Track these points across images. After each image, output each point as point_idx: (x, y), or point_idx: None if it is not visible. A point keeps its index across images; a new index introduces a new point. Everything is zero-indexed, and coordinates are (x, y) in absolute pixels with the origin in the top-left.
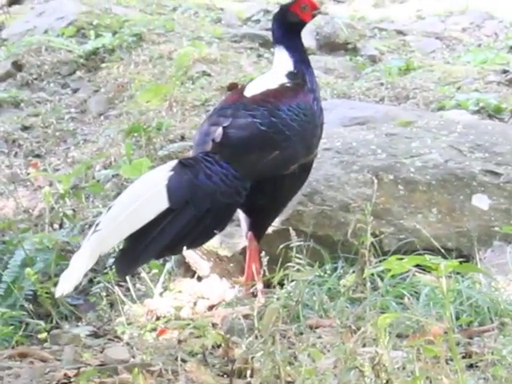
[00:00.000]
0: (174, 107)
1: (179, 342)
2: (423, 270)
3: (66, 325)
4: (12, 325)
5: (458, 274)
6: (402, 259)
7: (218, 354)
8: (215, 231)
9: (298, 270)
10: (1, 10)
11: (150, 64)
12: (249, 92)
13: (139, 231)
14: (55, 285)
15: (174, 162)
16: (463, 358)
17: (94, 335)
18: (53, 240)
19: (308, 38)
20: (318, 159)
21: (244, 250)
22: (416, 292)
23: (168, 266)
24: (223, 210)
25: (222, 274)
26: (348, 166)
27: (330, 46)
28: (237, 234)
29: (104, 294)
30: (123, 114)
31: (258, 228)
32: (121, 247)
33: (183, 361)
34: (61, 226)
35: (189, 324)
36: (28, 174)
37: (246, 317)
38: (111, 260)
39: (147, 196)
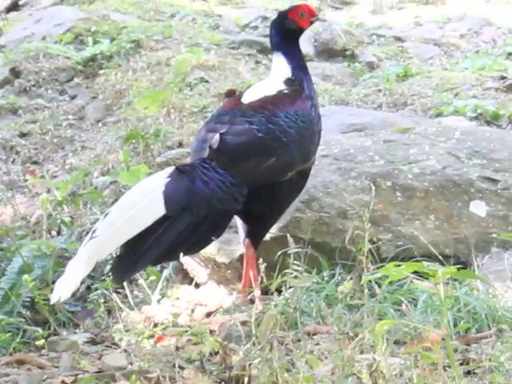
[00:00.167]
0: (172, 114)
1: (177, 348)
2: (421, 276)
3: (63, 332)
4: (9, 332)
5: (455, 280)
6: (399, 266)
7: (215, 361)
8: (212, 238)
9: (296, 277)
10: None
11: (148, 70)
12: (246, 98)
13: (136, 238)
14: (53, 291)
15: (170, 169)
16: (461, 364)
17: (92, 342)
18: (50, 247)
19: (306, 44)
20: (316, 166)
21: (242, 257)
22: (414, 299)
23: (166, 272)
24: (220, 217)
25: (220, 281)
26: (346, 173)
27: (328, 52)
28: (234, 241)
29: (102, 300)
30: (121, 121)
31: (255, 235)
32: (117, 254)
33: (181, 368)
34: (58, 233)
35: (186, 331)
36: (26, 180)
37: (243, 323)
38: (109, 267)
39: (144, 203)
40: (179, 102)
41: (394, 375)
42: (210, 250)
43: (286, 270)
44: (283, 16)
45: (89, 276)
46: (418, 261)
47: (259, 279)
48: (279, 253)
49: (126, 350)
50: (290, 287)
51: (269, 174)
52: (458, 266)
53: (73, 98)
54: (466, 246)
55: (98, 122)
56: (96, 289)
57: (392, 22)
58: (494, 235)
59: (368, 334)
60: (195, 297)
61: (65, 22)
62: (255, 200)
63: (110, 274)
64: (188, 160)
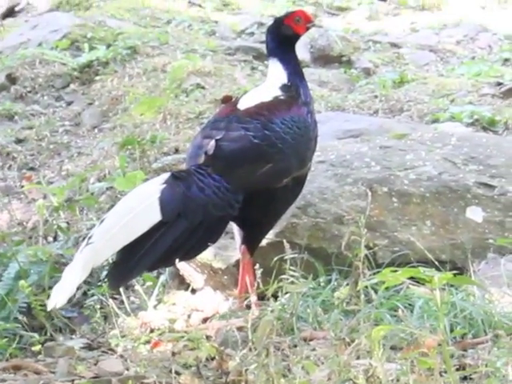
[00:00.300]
0: (168, 120)
1: (173, 354)
2: (417, 282)
3: (60, 337)
4: (6, 337)
5: (451, 286)
6: (395, 271)
7: (212, 367)
8: (208, 244)
9: (292, 283)
10: None
11: (144, 77)
12: (242, 105)
13: (132, 244)
14: (49, 297)
15: (166, 175)
16: (457, 370)
17: (88, 348)
18: (47, 253)
19: (302, 50)
20: (312, 172)
21: (238, 263)
22: (410, 304)
23: (162, 278)
24: (216, 223)
25: (216, 287)
26: (342, 179)
27: (324, 58)
28: (231, 247)
29: (98, 306)
30: (117, 127)
31: (251, 241)
32: (113, 260)
33: (177, 373)
34: (55, 239)
35: (183, 336)
36: (22, 186)
37: (239, 329)
38: (105, 273)
39: (140, 209)
40: (175, 108)
41: (390, 381)
42: (207, 255)
43: (283, 276)
44: (279, 22)
45: (85, 282)
46: (414, 266)
47: (255, 285)
48: (275, 258)
49: (122, 356)
50: (287, 293)
51: (264, 181)
52: (455, 272)
53: (69, 104)
54: (462, 251)
55: (95, 128)
56: (92, 294)
57: (388, 29)
58: (491, 241)
59: (364, 340)
60: (191, 302)
61: (61, 29)
62: (251, 206)
63: (106, 280)
64: (184, 166)
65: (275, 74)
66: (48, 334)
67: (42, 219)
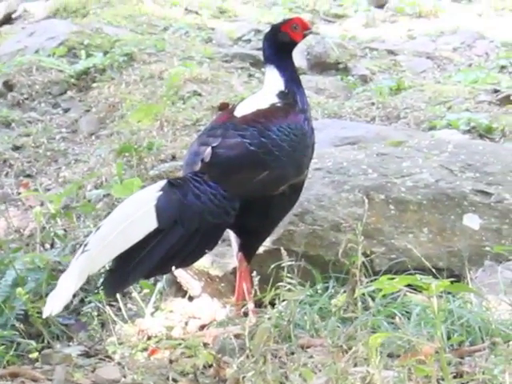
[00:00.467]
0: (165, 127)
1: (170, 361)
2: (414, 289)
3: (57, 344)
4: (3, 344)
5: (449, 293)
6: (393, 279)
7: (209, 374)
8: (205, 251)
9: (290, 290)
10: None
11: (141, 84)
12: (239, 112)
13: (128, 251)
14: (45, 305)
15: (162, 182)
16: (454, 377)
17: (86, 355)
18: (44, 260)
19: (299, 57)
20: (309, 179)
21: (235, 270)
22: (407, 312)
23: (159, 285)
24: (212, 230)
25: (214, 294)
26: (339, 186)
27: (321, 65)
28: (228, 254)
29: (95, 313)
30: (114, 134)
31: (248, 248)
32: (110, 267)
33: (174, 380)
34: (52, 246)
35: (180, 344)
36: (19, 193)
37: (237, 336)
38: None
39: (136, 216)
40: (172, 115)
41: None
42: (204, 263)
43: (280, 283)
44: (276, 29)
45: (82, 289)
46: (411, 274)
47: (252, 292)
48: (272, 266)
49: (119, 363)
50: (284, 300)
51: (261, 188)
52: (452, 279)
53: (66, 111)
54: (459, 259)
55: (91, 135)
56: (90, 302)
57: (385, 36)
58: (488, 248)
59: (362, 347)
60: (189, 310)
61: (58, 36)
62: (248, 213)
63: (102, 287)
64: (181, 173)
65: (272, 81)
66: (45, 342)
67: (39, 226)
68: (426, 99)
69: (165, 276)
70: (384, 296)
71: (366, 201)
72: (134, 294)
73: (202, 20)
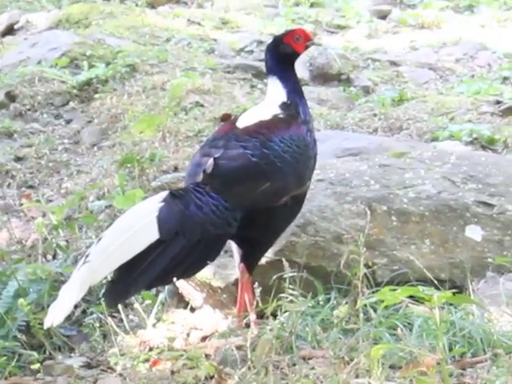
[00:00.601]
0: (168, 138)
1: (172, 373)
2: (416, 301)
3: (59, 356)
4: (5, 356)
5: (451, 305)
6: (395, 290)
7: None
8: (206, 262)
9: (291, 301)
10: None
11: (144, 95)
12: (241, 123)
13: (129, 262)
14: (46, 316)
15: (164, 193)
16: None
17: (87, 366)
18: (46, 271)
19: (301, 68)
20: (312, 190)
21: (237, 281)
22: (409, 323)
23: (161, 296)
24: (214, 241)
25: (215, 305)
26: (341, 197)
27: (324, 76)
28: (230, 265)
29: (97, 324)
30: (116, 145)
31: (250, 260)
32: (111, 278)
33: None
34: (54, 257)
35: (182, 355)
36: (21, 204)
37: (239, 348)
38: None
39: (138, 227)
40: (174, 126)
41: None
42: (206, 274)
43: (282, 294)
44: (278, 40)
45: (84, 300)
46: (413, 285)
47: (254, 303)
48: (274, 277)
49: (121, 374)
50: (286, 311)
51: (263, 199)
52: (454, 291)
53: (68, 122)
54: (461, 270)
55: (94, 146)
56: (91, 313)
57: (387, 47)
58: (490, 260)
59: (363, 359)
60: (190, 321)
61: (60, 46)
62: (250, 224)
63: (104, 298)
64: (183, 184)
65: (274, 92)
66: (47, 353)
67: (41, 237)
68: (429, 110)
69: (167, 287)
70: (386, 307)
71: (368, 212)
72: (136, 305)
73: (204, 31)
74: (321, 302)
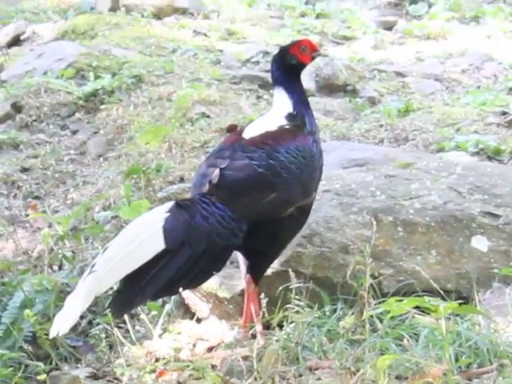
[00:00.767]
0: (174, 149)
1: (178, 383)
2: (422, 311)
3: (65, 366)
4: (11, 366)
5: (457, 315)
6: (401, 301)
7: None
8: (212, 272)
9: (298, 312)
10: (0, 51)
11: (150, 105)
12: (247, 134)
13: (135, 272)
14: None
15: (170, 203)
16: None
17: (94, 377)
18: (52, 281)
19: (307, 79)
20: (318, 201)
21: (243, 292)
22: (415, 333)
23: (167, 307)
24: (220, 252)
25: (222, 316)
26: (347, 208)
27: (330, 87)
28: (236, 276)
29: (103, 335)
30: (122, 156)
31: (256, 270)
32: (117, 288)
33: None
34: (60, 268)
35: (188, 366)
36: (27, 215)
37: (245, 358)
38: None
39: (144, 237)
40: (180, 137)
41: None
42: (212, 284)
43: (288, 305)
44: (285, 51)
45: (90, 311)
46: (419, 296)
47: (261, 314)
48: (281, 288)
49: None
50: (292, 322)
51: (269, 210)
52: (460, 301)
53: (74, 132)
54: (467, 281)
55: (100, 156)
56: (97, 323)
57: (393, 58)
58: (496, 270)
59: (370, 369)
60: (197, 331)
61: (66, 57)
62: (255, 235)
63: (109, 308)
64: (189, 195)
65: (281, 103)
66: (53, 363)
67: (47, 248)
68: (435, 121)
69: (173, 298)
70: (392, 318)
71: (375, 223)
72: (142, 316)
73: (210, 42)
74: (327, 313)
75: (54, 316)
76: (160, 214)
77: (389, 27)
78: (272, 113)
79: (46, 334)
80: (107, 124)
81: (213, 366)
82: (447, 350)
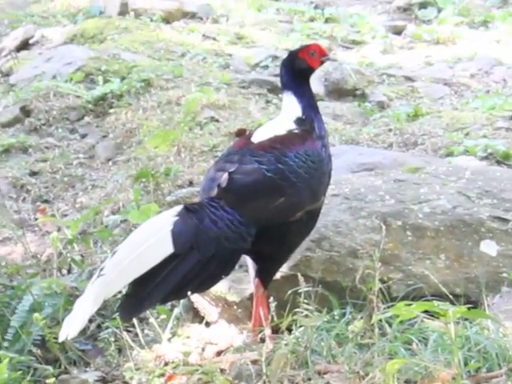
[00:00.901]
0: (182, 153)
1: None
2: (431, 315)
3: (74, 370)
4: (20, 370)
5: (466, 319)
6: (410, 305)
7: None
8: (221, 276)
9: (307, 316)
10: (9, 55)
11: (159, 110)
12: (256, 138)
13: (144, 276)
14: (61, 329)
15: (179, 207)
16: None
17: (103, 380)
18: (61, 285)
19: (316, 83)
20: (326, 205)
21: (252, 296)
22: (424, 338)
23: (176, 311)
24: (228, 256)
25: (231, 320)
26: (356, 212)
27: (339, 92)
28: (245, 280)
29: (112, 339)
30: (131, 160)
31: (265, 274)
32: (125, 292)
33: None
34: (69, 272)
35: (197, 370)
36: (36, 219)
37: (254, 362)
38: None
39: (152, 241)
40: (189, 141)
41: None
42: (221, 288)
43: (297, 309)
44: (294, 55)
45: (99, 314)
46: (428, 300)
47: (269, 318)
48: (290, 292)
49: None
50: (301, 326)
51: (277, 214)
52: (469, 306)
53: (83, 136)
54: (476, 285)
55: (109, 160)
56: (107, 327)
57: (402, 62)
58: (505, 275)
59: (379, 373)
60: (206, 335)
61: (75, 61)
62: (264, 239)
63: (118, 312)
64: (198, 199)
65: (289, 108)
66: (62, 367)
67: (56, 252)
68: (444, 125)
69: (182, 302)
70: (401, 322)
71: (384, 227)
72: (151, 320)
73: (219, 46)
74: (336, 317)
75: (62, 320)
76: (169, 218)
77: (398, 32)
78: (281, 117)
79: (55, 338)
80: (116, 128)
81: (222, 370)
82: (456, 355)
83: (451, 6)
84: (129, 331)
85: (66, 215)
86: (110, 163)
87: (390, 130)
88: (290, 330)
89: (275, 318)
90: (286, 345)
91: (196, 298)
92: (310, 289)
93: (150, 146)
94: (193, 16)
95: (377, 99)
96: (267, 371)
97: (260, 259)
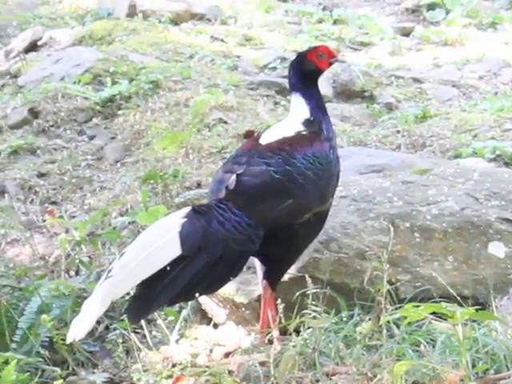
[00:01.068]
0: (191, 154)
1: None
2: (439, 317)
3: (82, 371)
4: (28, 371)
5: (474, 321)
6: (418, 307)
7: None
8: (228, 278)
9: (315, 317)
10: (17, 56)
11: (167, 111)
12: (264, 140)
13: (152, 278)
14: (68, 331)
15: (187, 209)
16: None
17: (111, 382)
18: (69, 287)
19: (325, 85)
20: (335, 206)
21: (260, 297)
22: (432, 339)
23: (184, 313)
24: (236, 258)
25: (239, 321)
26: (364, 214)
27: (347, 93)
28: (253, 281)
29: (120, 340)
30: (140, 161)
31: (272, 276)
32: (133, 294)
33: None
34: (77, 273)
35: (205, 371)
36: (44, 220)
37: (262, 364)
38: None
39: (160, 243)
40: (198, 142)
41: None
42: (229, 290)
43: (305, 311)
44: (302, 57)
45: (107, 316)
46: (436, 302)
47: (277, 319)
48: (298, 293)
49: None
50: (309, 328)
51: (285, 216)
52: (477, 307)
53: (91, 138)
54: (484, 287)
55: (117, 162)
56: (114, 329)
57: (411, 64)
58: None
59: (387, 375)
60: (214, 337)
61: (83, 63)
62: (272, 241)
63: (126, 313)
64: (206, 201)
65: (298, 109)
66: (70, 369)
67: (64, 253)
68: (452, 127)
69: (190, 303)
70: (409, 324)
71: (392, 229)
72: (159, 322)
73: (227, 48)
74: (344, 319)
75: (70, 321)
76: (177, 220)
77: (406, 33)
78: (289, 119)
79: (63, 339)
80: (124, 129)
81: (230, 372)
82: (464, 356)
83: (459, 7)
84: (137, 333)
85: (74, 217)
86: (118, 165)
87: (398, 132)
88: (297, 331)
89: (283, 320)
90: (293, 346)
91: (204, 300)
92: (318, 290)
93: (159, 147)
94: (201, 17)
95: (385, 101)
96: (275, 373)
97: (268, 261)
